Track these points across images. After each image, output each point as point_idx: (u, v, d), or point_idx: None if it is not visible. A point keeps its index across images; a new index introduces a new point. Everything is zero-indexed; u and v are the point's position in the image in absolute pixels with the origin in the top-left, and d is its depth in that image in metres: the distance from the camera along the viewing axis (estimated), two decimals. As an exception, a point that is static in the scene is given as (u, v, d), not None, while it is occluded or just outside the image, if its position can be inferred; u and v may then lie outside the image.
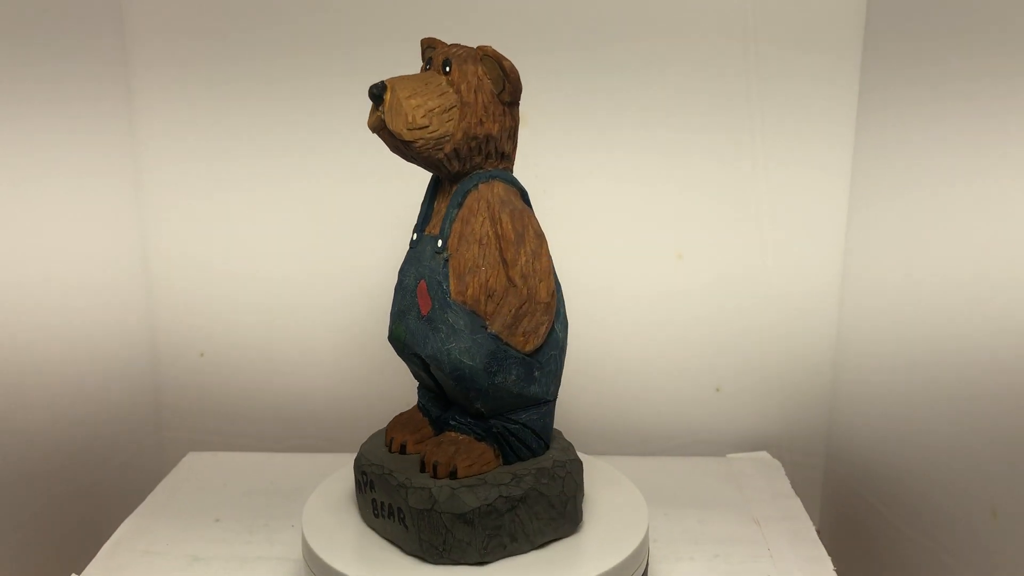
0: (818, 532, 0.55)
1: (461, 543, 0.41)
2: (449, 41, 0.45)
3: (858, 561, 0.64)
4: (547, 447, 0.45)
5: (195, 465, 0.64)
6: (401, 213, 0.65)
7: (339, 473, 0.52)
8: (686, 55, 0.62)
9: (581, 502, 0.46)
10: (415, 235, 0.45)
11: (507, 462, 0.44)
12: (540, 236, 0.42)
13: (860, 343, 0.64)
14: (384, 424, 0.50)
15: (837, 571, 0.51)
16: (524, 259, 0.41)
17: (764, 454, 0.67)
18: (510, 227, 0.41)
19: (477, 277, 0.41)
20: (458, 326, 0.41)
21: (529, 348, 0.42)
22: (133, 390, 0.68)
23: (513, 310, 0.41)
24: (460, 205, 0.43)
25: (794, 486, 0.61)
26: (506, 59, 0.42)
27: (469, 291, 0.41)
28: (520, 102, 0.43)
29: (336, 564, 0.42)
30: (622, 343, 0.68)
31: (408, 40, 0.49)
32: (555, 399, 0.45)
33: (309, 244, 0.67)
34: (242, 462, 0.65)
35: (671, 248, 0.66)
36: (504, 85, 0.42)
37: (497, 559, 0.43)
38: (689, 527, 0.55)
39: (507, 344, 0.42)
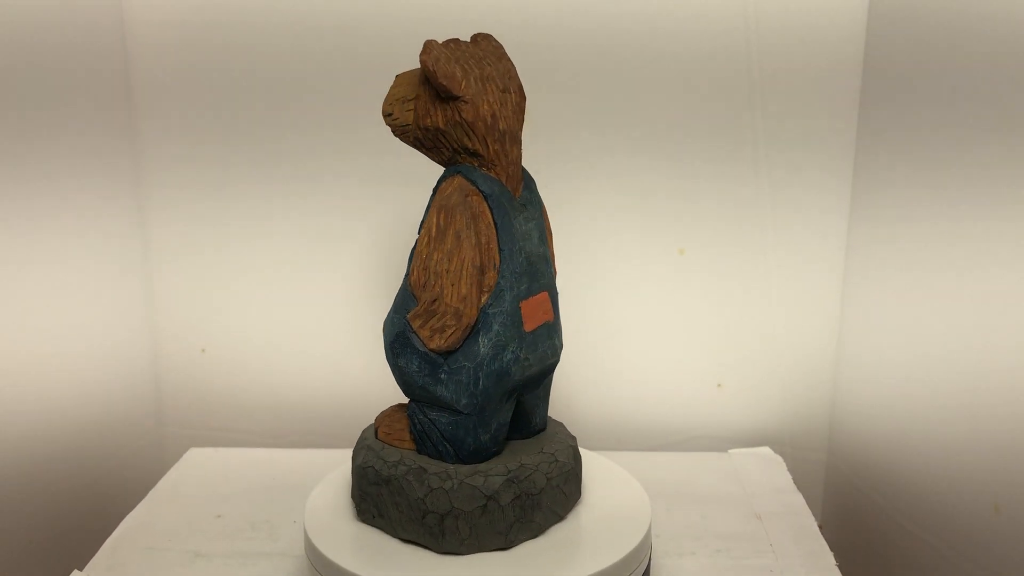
0: (820, 527, 0.55)
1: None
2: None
3: (860, 556, 0.64)
4: (460, 460, 0.44)
5: (197, 461, 0.64)
6: (401, 214, 0.65)
7: (341, 469, 0.52)
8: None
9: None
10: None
11: (420, 451, 0.45)
12: (459, 238, 0.42)
13: (862, 338, 0.64)
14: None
15: (839, 566, 0.51)
16: (437, 257, 0.42)
17: (766, 449, 0.67)
18: (435, 223, 0.43)
19: (417, 265, 0.43)
20: (396, 302, 0.45)
21: (432, 346, 0.42)
22: (135, 386, 0.68)
23: (426, 304, 0.43)
24: (432, 196, 0.45)
25: (796, 481, 0.61)
26: (429, 55, 0.42)
27: (412, 277, 0.44)
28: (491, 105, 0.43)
29: (338, 560, 0.42)
30: (623, 339, 0.68)
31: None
32: (476, 416, 0.43)
33: (307, 243, 0.67)
34: (244, 458, 0.65)
35: (673, 243, 0.66)
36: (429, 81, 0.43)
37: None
38: (691, 522, 0.55)
39: (414, 332, 0.43)
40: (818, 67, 0.63)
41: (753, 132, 0.64)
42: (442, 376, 0.43)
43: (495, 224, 0.43)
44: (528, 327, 0.43)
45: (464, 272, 0.42)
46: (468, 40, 0.45)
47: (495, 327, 0.42)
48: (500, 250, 0.43)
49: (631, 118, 0.64)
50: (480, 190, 0.43)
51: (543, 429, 0.48)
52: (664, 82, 0.63)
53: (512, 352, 0.43)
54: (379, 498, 0.44)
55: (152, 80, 0.65)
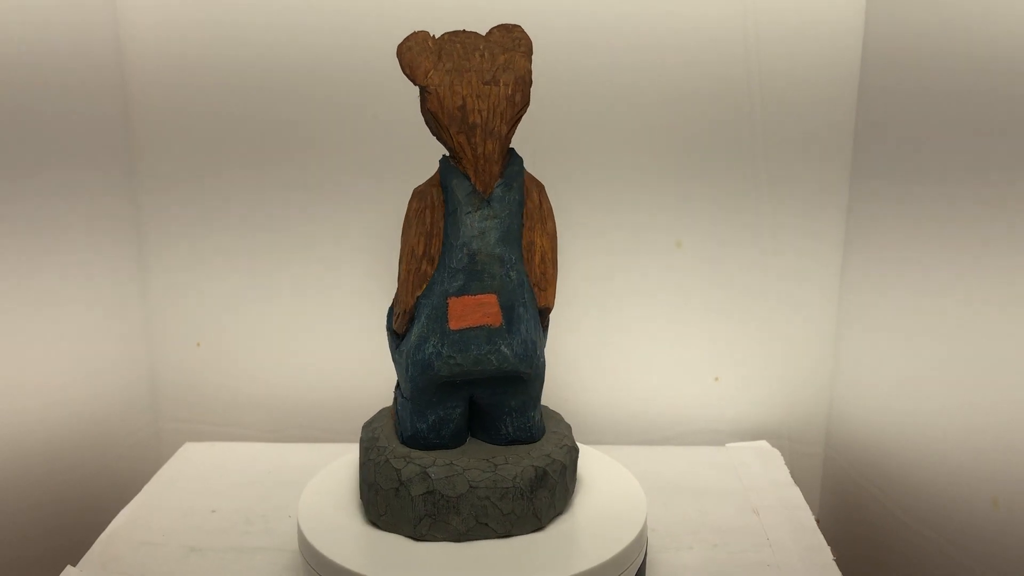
0: (817, 521, 0.55)
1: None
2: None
3: (858, 550, 0.64)
4: (403, 442, 0.45)
5: (192, 456, 0.64)
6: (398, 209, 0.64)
7: (336, 463, 0.52)
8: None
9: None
10: None
11: None
12: (409, 224, 0.44)
13: (860, 331, 0.64)
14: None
15: (837, 561, 0.50)
16: (402, 241, 0.45)
17: (763, 443, 0.67)
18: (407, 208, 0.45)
19: None
20: None
21: (395, 326, 0.46)
22: (130, 381, 0.68)
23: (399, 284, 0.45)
24: None
25: (793, 475, 0.61)
26: (403, 44, 0.44)
27: None
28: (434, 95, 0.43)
29: (332, 555, 0.42)
30: (620, 332, 0.67)
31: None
32: (411, 402, 0.45)
33: (302, 237, 0.67)
34: (239, 452, 0.65)
35: (671, 236, 0.66)
36: None
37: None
38: (688, 517, 0.55)
39: (392, 305, 0.47)
40: (817, 53, 0.62)
41: (751, 131, 0.63)
42: (394, 357, 0.46)
43: (446, 217, 0.43)
44: (453, 325, 0.42)
45: (403, 257, 0.44)
46: (486, 31, 0.45)
47: (423, 318, 0.43)
48: (444, 243, 0.43)
49: (630, 118, 0.64)
50: (440, 181, 0.44)
51: (526, 441, 0.46)
52: (662, 82, 0.63)
53: (433, 346, 0.43)
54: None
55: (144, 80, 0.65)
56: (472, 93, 0.43)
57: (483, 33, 0.45)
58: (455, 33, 0.45)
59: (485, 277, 0.43)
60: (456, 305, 0.43)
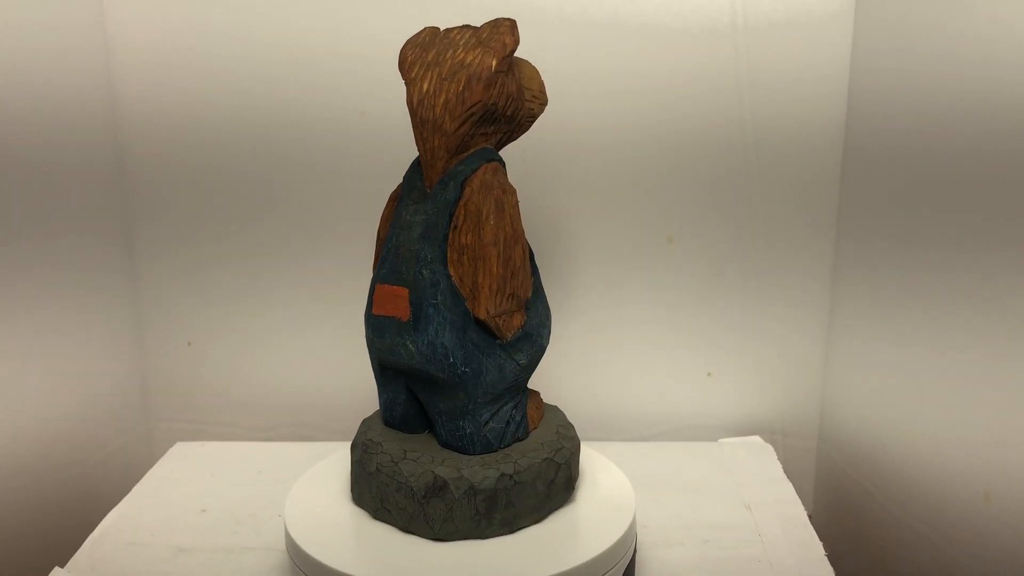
0: (810, 517, 0.55)
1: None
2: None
3: (851, 545, 0.63)
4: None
5: (183, 455, 0.64)
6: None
7: (324, 461, 0.52)
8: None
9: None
10: None
11: None
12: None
13: (852, 326, 0.64)
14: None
15: (830, 556, 0.50)
16: None
17: (756, 439, 0.67)
18: None
19: None
20: None
21: None
22: (120, 380, 0.68)
23: None
24: None
25: (786, 471, 0.61)
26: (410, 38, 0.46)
27: None
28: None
29: (318, 555, 0.41)
30: (612, 328, 0.67)
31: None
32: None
33: (294, 234, 0.66)
34: (230, 452, 0.64)
35: (662, 231, 0.65)
36: None
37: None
38: (680, 512, 0.55)
39: None
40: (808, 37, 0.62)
41: (741, 120, 0.63)
42: None
43: (397, 206, 0.46)
44: (375, 310, 0.44)
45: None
46: (486, 23, 0.45)
47: (368, 298, 0.45)
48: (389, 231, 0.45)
49: (628, 117, 0.63)
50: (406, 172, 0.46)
51: (458, 450, 0.45)
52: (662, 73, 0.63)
53: (366, 327, 0.45)
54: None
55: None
56: (432, 89, 0.42)
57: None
58: (453, 28, 0.45)
59: (402, 270, 0.43)
60: (379, 292, 0.44)
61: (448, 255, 0.42)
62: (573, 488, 0.47)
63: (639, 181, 0.65)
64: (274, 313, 0.68)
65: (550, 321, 0.47)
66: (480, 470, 0.43)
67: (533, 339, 0.45)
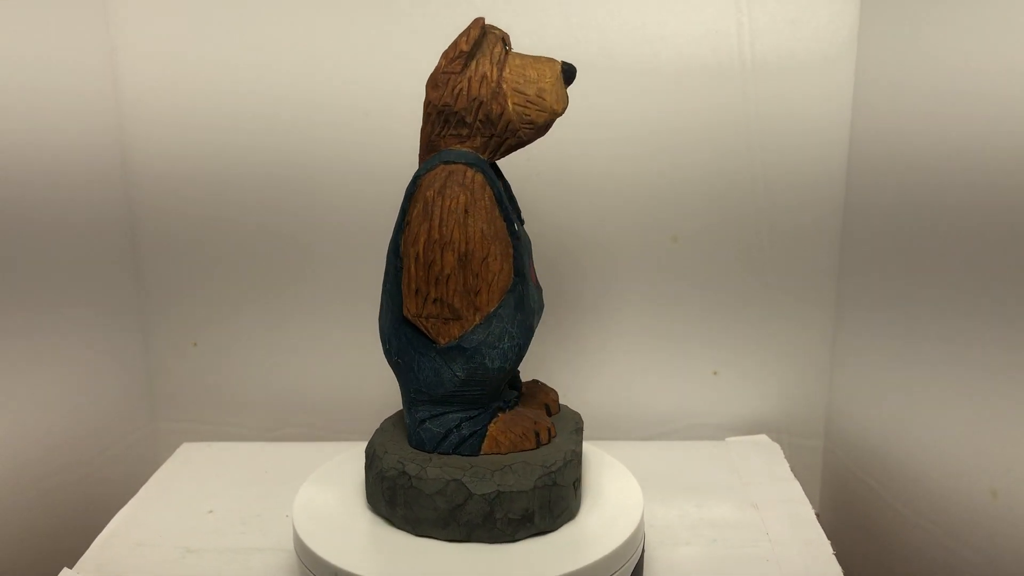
0: (817, 515, 0.55)
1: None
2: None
3: (858, 544, 0.63)
4: None
5: (190, 456, 0.64)
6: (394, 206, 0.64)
7: (332, 461, 0.52)
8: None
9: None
10: (517, 225, 0.45)
11: None
12: None
13: (858, 323, 0.64)
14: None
15: (837, 554, 0.50)
16: None
17: (763, 437, 0.67)
18: None
19: None
20: None
21: None
22: (126, 381, 0.68)
23: None
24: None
25: (793, 469, 0.61)
26: None
27: None
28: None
29: (326, 555, 0.41)
30: (618, 327, 0.67)
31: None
32: None
33: (299, 237, 0.66)
34: (236, 452, 0.64)
35: (667, 231, 0.65)
36: None
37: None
38: (687, 512, 0.55)
39: None
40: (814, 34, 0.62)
41: (746, 116, 0.63)
42: None
43: None
44: None
45: None
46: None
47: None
48: None
49: (626, 115, 0.64)
50: None
51: (411, 444, 0.46)
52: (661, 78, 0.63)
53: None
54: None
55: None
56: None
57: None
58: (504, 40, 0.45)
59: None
60: None
61: (401, 247, 0.44)
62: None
63: (645, 181, 0.64)
64: (279, 313, 0.68)
65: (514, 346, 0.44)
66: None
67: (471, 355, 0.43)
